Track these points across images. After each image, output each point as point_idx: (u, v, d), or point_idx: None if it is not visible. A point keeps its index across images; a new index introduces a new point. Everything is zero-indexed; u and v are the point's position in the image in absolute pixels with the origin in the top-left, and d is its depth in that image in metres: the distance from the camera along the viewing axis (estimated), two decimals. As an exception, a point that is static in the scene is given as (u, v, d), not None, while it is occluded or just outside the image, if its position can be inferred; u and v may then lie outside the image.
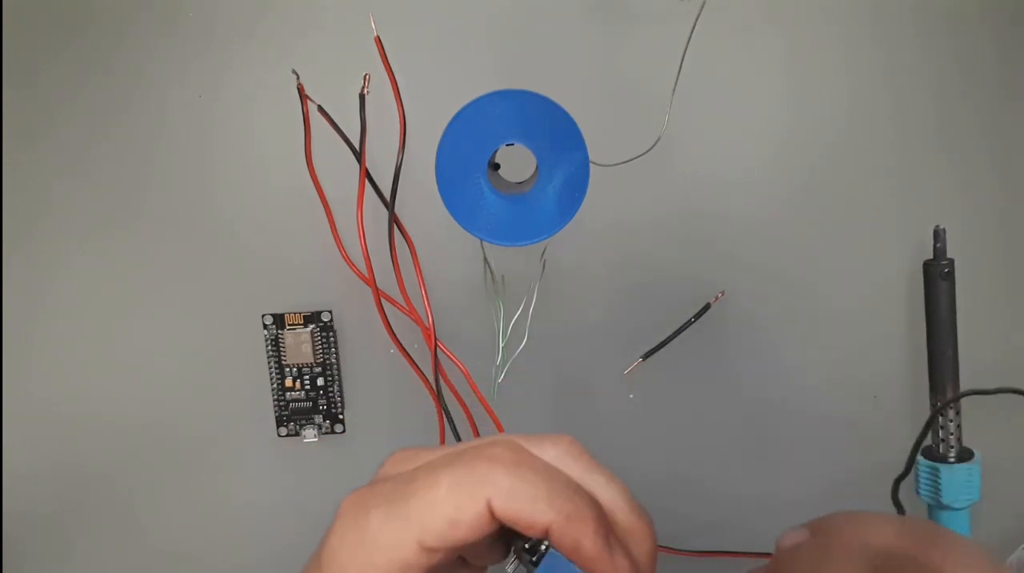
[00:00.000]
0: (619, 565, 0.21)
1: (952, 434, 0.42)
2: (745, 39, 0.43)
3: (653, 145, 0.40)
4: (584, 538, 0.21)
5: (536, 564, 0.22)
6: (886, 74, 0.43)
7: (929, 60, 0.43)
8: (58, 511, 0.49)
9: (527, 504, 0.20)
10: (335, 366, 0.47)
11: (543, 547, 0.22)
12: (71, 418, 0.48)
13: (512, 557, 0.24)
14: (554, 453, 0.23)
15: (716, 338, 0.46)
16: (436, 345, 0.43)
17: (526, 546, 0.22)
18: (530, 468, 0.21)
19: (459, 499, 0.20)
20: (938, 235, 0.42)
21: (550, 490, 0.21)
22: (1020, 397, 0.42)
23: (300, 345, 0.46)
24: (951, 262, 0.42)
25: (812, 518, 0.24)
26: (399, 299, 0.43)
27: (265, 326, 0.47)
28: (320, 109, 0.42)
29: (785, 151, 0.44)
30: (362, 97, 0.42)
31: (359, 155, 0.42)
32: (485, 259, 0.43)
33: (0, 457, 0.48)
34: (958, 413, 0.42)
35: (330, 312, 0.46)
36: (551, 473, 0.21)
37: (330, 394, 0.47)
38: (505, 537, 0.24)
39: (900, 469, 0.43)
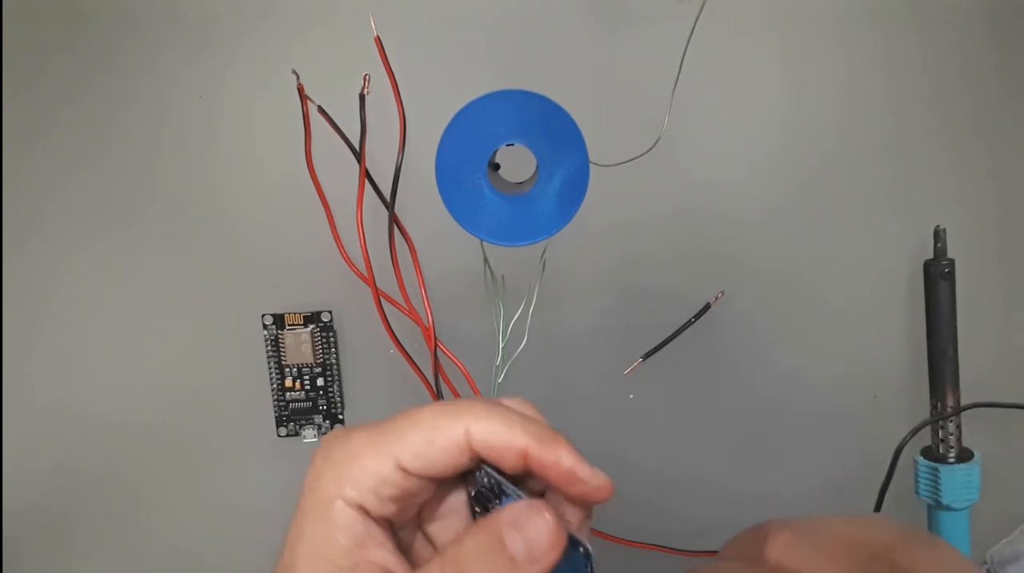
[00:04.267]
0: (596, 470, 0.22)
1: (952, 434, 0.42)
2: (745, 39, 0.43)
3: (653, 145, 0.40)
4: (561, 451, 0.22)
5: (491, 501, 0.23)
6: (886, 74, 0.43)
7: (929, 60, 0.43)
8: (58, 510, 0.49)
9: (504, 429, 0.22)
10: (335, 366, 0.47)
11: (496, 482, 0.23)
12: (71, 417, 0.48)
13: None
14: (510, 403, 0.24)
15: (716, 338, 0.46)
16: (436, 345, 0.43)
17: (475, 496, 0.24)
18: (502, 406, 0.23)
19: (440, 420, 0.22)
20: (938, 235, 0.42)
21: (522, 418, 0.22)
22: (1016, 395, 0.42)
23: (300, 345, 0.46)
24: (951, 262, 0.42)
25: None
26: (399, 299, 0.43)
27: (265, 326, 0.47)
28: (320, 109, 0.42)
29: (785, 151, 0.44)
30: (362, 97, 0.42)
31: (359, 155, 0.42)
32: (485, 259, 0.43)
33: (0, 455, 0.48)
34: (958, 413, 0.42)
35: (330, 312, 0.46)
36: (518, 413, 0.23)
37: (330, 394, 0.47)
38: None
39: (899, 469, 0.43)
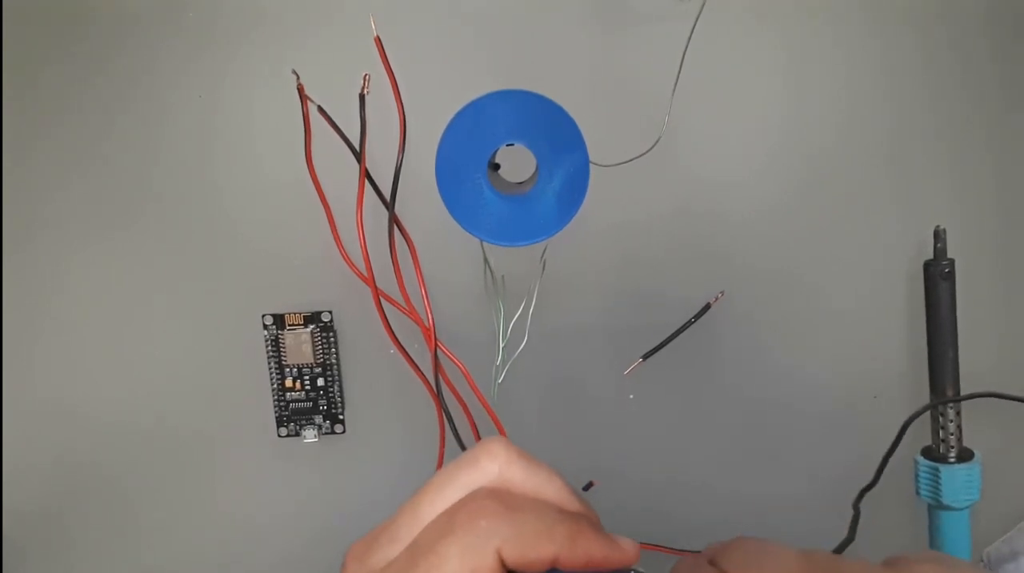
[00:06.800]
0: (623, 547, 0.22)
1: (952, 434, 0.42)
2: (745, 39, 0.43)
3: (653, 145, 0.40)
4: (591, 548, 0.21)
5: None
6: (886, 74, 0.43)
7: (929, 60, 0.43)
8: (58, 509, 0.49)
9: (534, 542, 0.21)
10: (335, 366, 0.47)
11: None
12: (71, 417, 0.48)
13: None
14: (496, 469, 0.23)
15: (716, 338, 0.46)
16: (436, 345, 0.43)
17: None
18: (520, 508, 0.22)
19: (473, 562, 0.20)
20: (938, 235, 0.42)
21: (546, 522, 0.21)
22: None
23: (300, 345, 0.46)
24: (951, 262, 0.42)
25: (794, 525, 0.23)
26: (399, 299, 0.43)
27: (265, 326, 0.47)
28: (320, 109, 0.42)
29: (785, 151, 0.44)
30: (362, 97, 0.42)
31: (359, 155, 0.42)
32: (485, 259, 0.43)
33: (0, 455, 0.48)
34: (958, 413, 0.42)
35: (330, 312, 0.46)
36: (536, 505, 0.22)
37: (330, 394, 0.47)
38: None
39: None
